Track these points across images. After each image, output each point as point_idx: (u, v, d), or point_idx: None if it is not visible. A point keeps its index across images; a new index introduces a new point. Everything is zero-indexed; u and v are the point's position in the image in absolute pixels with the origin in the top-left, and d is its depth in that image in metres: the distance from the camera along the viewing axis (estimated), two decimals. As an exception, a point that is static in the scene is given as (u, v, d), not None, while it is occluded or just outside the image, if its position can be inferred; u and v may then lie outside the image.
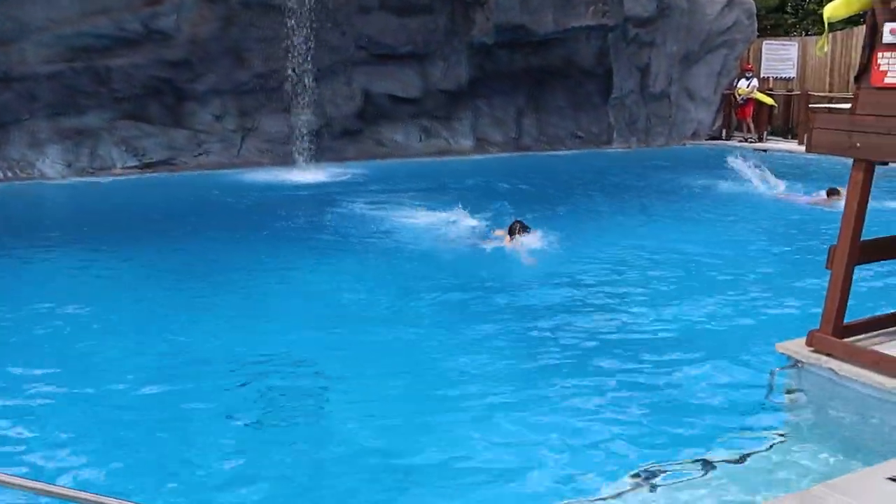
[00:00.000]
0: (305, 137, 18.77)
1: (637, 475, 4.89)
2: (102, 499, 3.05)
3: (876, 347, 5.78)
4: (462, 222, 11.94)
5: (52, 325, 7.67)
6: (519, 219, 10.94)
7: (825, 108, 6.14)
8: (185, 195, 15.47)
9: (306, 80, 18.54)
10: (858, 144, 5.58)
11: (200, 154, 18.44)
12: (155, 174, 17.50)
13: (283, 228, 12.36)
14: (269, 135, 19.04)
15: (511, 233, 10.62)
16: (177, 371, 6.58)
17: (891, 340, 6.02)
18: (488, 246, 10.67)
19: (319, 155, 18.90)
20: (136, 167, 17.67)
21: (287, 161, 18.66)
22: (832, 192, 13.57)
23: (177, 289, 9.05)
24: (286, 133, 18.92)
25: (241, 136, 18.88)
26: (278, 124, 18.99)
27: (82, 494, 3.09)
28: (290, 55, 18.24)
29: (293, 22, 17.96)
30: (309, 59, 18.36)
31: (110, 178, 16.97)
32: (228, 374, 6.52)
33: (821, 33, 23.66)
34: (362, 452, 5.28)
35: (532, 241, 10.45)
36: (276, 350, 7.07)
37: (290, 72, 18.43)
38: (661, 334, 7.56)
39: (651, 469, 4.96)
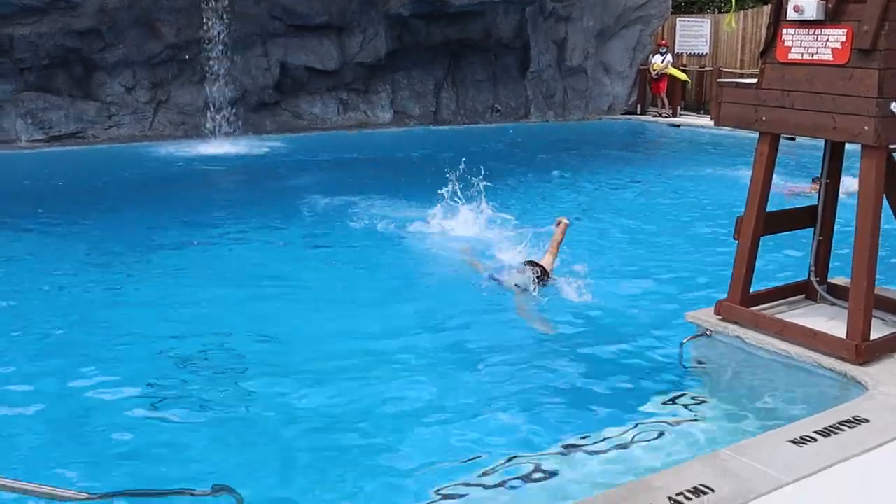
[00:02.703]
0: (221, 110, 18.42)
1: (554, 449, 4.98)
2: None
3: (780, 316, 5.97)
4: (389, 204, 11.87)
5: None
6: (533, 260, 8.16)
7: (733, 82, 6.29)
8: (94, 169, 15.02)
9: (221, 51, 18.16)
10: (764, 118, 5.72)
11: (111, 127, 17.95)
12: (63, 147, 16.96)
13: (196, 203, 12.10)
14: (183, 107, 18.63)
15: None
16: (88, 353, 6.40)
17: (794, 309, 6.24)
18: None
19: (235, 127, 18.58)
20: (42, 140, 17.11)
21: (202, 134, 18.30)
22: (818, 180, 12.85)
23: (84, 267, 8.79)
24: (201, 105, 18.54)
25: (153, 108, 18.44)
26: (192, 96, 18.60)
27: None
28: (203, 25, 17.82)
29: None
30: (223, 29, 17.97)
31: (14, 152, 16.38)
32: (145, 357, 6.36)
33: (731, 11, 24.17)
34: (284, 436, 5.23)
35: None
36: (193, 330, 6.88)
37: (204, 42, 18.03)
38: (578, 307, 7.65)
39: (567, 442, 5.04)
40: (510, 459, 4.79)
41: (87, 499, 3.22)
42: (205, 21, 17.76)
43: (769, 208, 5.94)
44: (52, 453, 4.94)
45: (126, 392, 5.74)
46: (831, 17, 5.30)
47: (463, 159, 10.74)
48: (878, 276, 5.39)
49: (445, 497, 4.45)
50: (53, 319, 7.14)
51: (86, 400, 5.63)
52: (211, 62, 18.18)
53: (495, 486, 4.55)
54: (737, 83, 6.40)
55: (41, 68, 17.09)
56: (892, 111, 5.08)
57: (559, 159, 16.78)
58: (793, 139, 14.68)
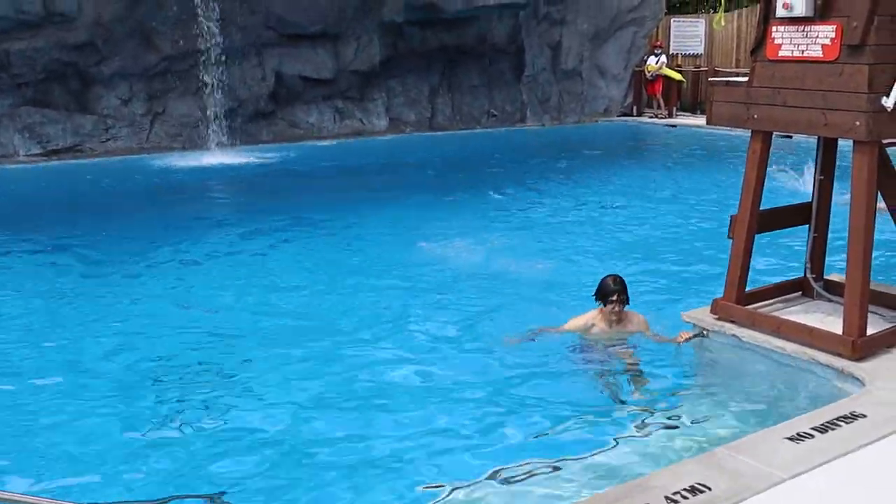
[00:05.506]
0: (217, 120, 18.44)
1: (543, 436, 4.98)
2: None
3: (776, 314, 5.97)
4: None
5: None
6: (614, 274, 6.64)
7: (724, 81, 6.29)
8: (90, 183, 15.02)
9: (216, 62, 18.19)
10: (756, 116, 5.72)
11: (108, 140, 17.96)
12: (60, 161, 16.97)
13: (193, 217, 12.03)
14: (180, 118, 18.64)
15: (605, 298, 6.48)
16: (74, 368, 6.41)
17: (791, 306, 6.23)
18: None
19: (232, 138, 18.61)
20: (40, 154, 17.12)
21: (199, 145, 18.33)
22: None
23: (78, 282, 8.79)
24: (197, 116, 18.55)
25: (150, 121, 18.44)
26: (189, 107, 18.61)
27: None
28: (198, 36, 17.86)
29: (201, 1, 17.58)
30: (218, 40, 18.01)
31: (12, 166, 16.39)
32: (130, 370, 6.36)
33: (724, 10, 24.16)
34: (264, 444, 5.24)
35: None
36: (178, 349, 6.82)
37: (199, 54, 18.06)
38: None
39: (564, 444, 5.04)
40: (501, 469, 4.78)
41: None
42: (200, 32, 17.79)
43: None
44: (47, 463, 4.94)
45: (118, 406, 5.75)
46: (820, 13, 5.30)
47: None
48: (879, 275, 5.38)
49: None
50: (49, 333, 7.15)
51: (82, 413, 5.63)
52: (207, 73, 18.21)
53: (497, 489, 4.55)
54: (727, 82, 6.39)
55: (38, 83, 17.10)
56: (882, 106, 5.08)
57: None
58: (789, 137, 14.70)
